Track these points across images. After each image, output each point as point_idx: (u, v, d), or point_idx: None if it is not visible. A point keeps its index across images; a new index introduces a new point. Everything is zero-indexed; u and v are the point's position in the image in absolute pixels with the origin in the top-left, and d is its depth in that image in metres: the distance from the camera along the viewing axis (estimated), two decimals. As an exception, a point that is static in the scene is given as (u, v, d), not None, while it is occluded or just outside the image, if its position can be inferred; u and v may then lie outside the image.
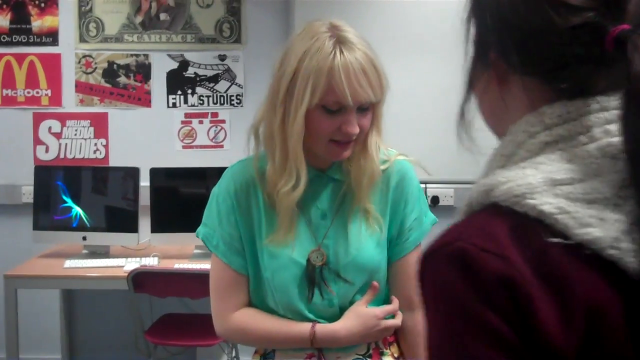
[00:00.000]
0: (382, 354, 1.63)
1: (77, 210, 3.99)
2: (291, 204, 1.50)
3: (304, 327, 1.54)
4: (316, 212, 1.58)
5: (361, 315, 1.55)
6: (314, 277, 1.54)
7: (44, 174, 4.08)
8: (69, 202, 4.00)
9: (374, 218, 1.56)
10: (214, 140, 4.41)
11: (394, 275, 1.62)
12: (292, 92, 1.45)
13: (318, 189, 1.58)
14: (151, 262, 3.82)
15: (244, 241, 1.57)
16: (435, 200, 4.28)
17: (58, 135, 4.38)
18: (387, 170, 1.60)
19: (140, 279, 3.56)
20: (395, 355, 1.65)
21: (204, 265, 3.68)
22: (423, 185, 4.28)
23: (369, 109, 1.50)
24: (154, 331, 3.80)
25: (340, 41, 1.44)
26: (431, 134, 4.25)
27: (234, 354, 3.87)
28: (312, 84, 1.42)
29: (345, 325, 1.54)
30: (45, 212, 4.03)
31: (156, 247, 4.04)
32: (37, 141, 4.38)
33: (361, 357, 1.60)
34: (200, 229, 1.65)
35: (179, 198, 4.07)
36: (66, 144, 4.39)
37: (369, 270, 1.58)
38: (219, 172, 4.15)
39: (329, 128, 1.45)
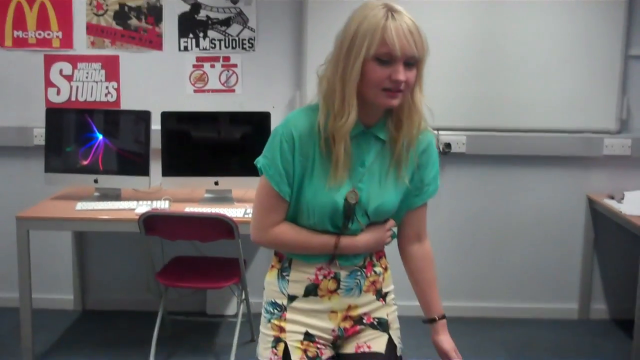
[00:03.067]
0: (374, 265, 2.08)
1: (89, 152, 4.00)
2: (345, 134, 1.85)
3: (330, 238, 1.97)
4: (357, 161, 1.94)
5: (376, 229, 2.02)
6: (349, 213, 1.93)
7: (56, 116, 4.08)
8: (81, 144, 4.01)
9: (405, 171, 1.97)
10: (225, 85, 4.38)
11: (410, 217, 2.08)
12: (352, 48, 1.81)
13: (362, 144, 1.93)
14: (162, 205, 3.83)
15: (295, 176, 1.92)
16: (447, 147, 4.26)
17: (69, 78, 4.37)
18: (423, 135, 1.99)
19: (151, 222, 3.58)
20: (383, 266, 2.12)
21: (215, 209, 3.70)
22: (436, 132, 4.29)
23: (414, 65, 1.84)
24: (165, 273, 3.83)
25: (392, 10, 1.81)
26: (445, 81, 4.22)
27: (243, 296, 3.90)
28: (369, 39, 1.78)
29: (364, 237, 1.99)
30: (57, 154, 4.05)
31: (167, 191, 4.06)
32: (49, 83, 4.37)
33: (358, 268, 2.04)
34: (260, 159, 1.95)
35: (191, 142, 4.06)
36: (77, 87, 4.38)
37: (390, 213, 2.03)
38: (230, 116, 4.20)
39: (381, 76, 1.80)
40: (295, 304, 2.03)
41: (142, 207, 3.74)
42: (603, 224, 4.44)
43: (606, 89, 4.30)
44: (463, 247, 4.55)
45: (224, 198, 4.02)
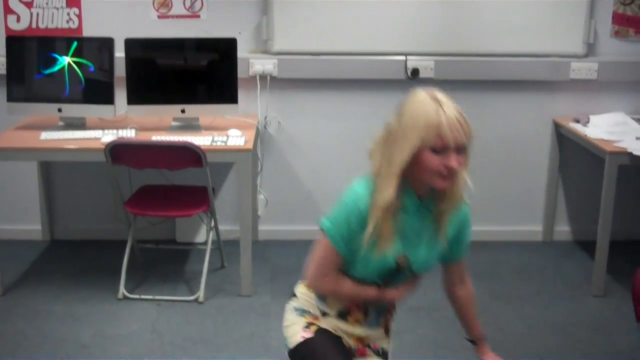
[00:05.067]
0: (393, 308, 2.43)
1: (51, 81, 3.93)
2: (383, 210, 2.10)
3: (376, 292, 2.28)
4: (411, 230, 2.22)
5: (412, 284, 2.33)
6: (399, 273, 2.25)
7: (17, 44, 3.99)
8: (43, 73, 3.94)
9: (445, 237, 2.27)
10: (190, 10, 4.30)
11: (455, 267, 2.42)
12: (405, 138, 2.06)
13: (417, 216, 2.21)
14: (128, 134, 3.80)
15: (355, 242, 2.17)
16: (415, 72, 4.25)
17: (29, 5, 4.25)
18: (462, 206, 2.27)
19: (118, 151, 3.56)
20: (396, 308, 2.44)
21: (182, 137, 3.68)
22: (404, 57, 4.26)
23: (464, 150, 2.10)
24: (133, 202, 3.82)
25: (440, 103, 2.07)
26: (413, 6, 4.17)
27: (212, 224, 3.92)
28: (424, 134, 2.03)
29: (403, 291, 2.32)
30: (19, 83, 3.97)
31: (133, 119, 4.02)
32: (8, 10, 4.25)
33: (384, 309, 2.38)
34: (325, 221, 2.20)
35: (156, 69, 4.00)
36: (38, 13, 4.27)
37: (430, 270, 2.34)
38: (196, 42, 4.14)
39: (437, 164, 2.06)
40: (327, 318, 2.35)
41: (108, 136, 3.71)
42: (568, 147, 4.49)
43: (573, 12, 4.29)
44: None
45: (191, 126, 3.99)
